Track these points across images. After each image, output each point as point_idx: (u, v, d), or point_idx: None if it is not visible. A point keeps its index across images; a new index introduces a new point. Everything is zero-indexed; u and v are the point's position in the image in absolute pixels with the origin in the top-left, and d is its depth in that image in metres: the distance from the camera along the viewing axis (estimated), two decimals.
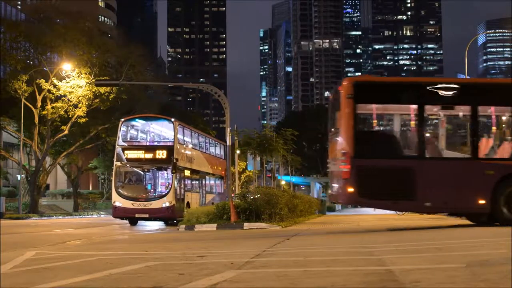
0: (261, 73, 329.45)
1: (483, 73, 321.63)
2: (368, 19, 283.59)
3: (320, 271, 6.52)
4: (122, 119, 26.94)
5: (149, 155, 25.64)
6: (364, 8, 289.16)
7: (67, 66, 40.69)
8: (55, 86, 41.27)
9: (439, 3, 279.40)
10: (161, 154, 25.29)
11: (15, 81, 40.82)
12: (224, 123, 27.91)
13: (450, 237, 12.47)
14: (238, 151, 32.49)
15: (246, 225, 18.97)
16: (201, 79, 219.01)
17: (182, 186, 26.48)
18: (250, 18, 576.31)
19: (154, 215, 24.85)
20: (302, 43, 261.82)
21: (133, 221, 26.14)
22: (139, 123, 27.79)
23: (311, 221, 26.26)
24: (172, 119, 26.62)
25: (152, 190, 26.54)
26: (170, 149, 25.34)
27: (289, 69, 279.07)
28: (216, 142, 35.53)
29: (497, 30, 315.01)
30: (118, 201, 24.99)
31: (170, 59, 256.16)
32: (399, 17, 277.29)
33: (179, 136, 26.40)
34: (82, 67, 41.62)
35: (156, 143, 27.28)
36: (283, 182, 59.25)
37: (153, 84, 54.74)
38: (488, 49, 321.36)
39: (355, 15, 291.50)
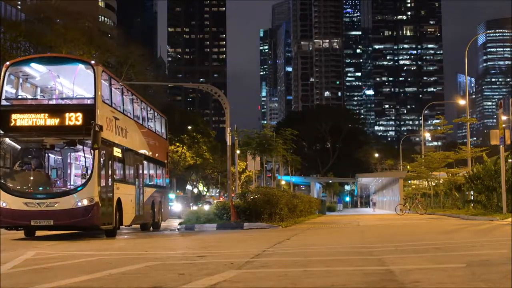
0: (261, 73, 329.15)
1: (483, 73, 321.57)
2: (368, 19, 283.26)
3: (320, 271, 6.52)
4: (7, 63, 16.60)
5: (53, 121, 15.51)
6: (364, 8, 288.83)
7: None
8: None
9: (439, 3, 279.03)
10: (74, 118, 15.44)
11: None
12: (224, 123, 27.86)
13: (450, 237, 12.47)
14: (238, 151, 32.46)
15: (246, 225, 18.96)
16: (201, 79, 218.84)
17: (110, 173, 16.31)
18: (250, 18, 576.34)
19: (62, 221, 15.10)
20: (302, 43, 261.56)
21: (29, 231, 16.75)
22: (34, 69, 17.17)
23: (311, 221, 26.26)
24: (92, 62, 16.56)
25: (58, 180, 17.07)
26: (89, 111, 15.52)
27: (289, 69, 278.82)
28: (155, 113, 23.86)
29: (497, 30, 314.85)
30: (2, 199, 15.14)
31: (170, 59, 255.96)
32: (399, 17, 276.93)
33: (105, 91, 16.50)
34: None
35: (65, 101, 17.19)
36: (283, 182, 59.23)
37: (153, 84, 54.71)
38: (488, 49, 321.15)
39: (355, 15, 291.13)
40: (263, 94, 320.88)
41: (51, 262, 8.44)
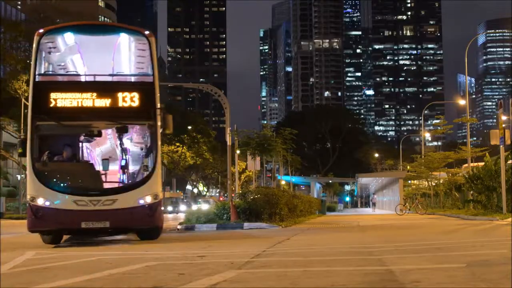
0: (261, 73, 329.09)
1: (483, 73, 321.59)
2: (368, 19, 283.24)
3: (320, 271, 6.52)
4: (41, 30, 13.28)
5: (104, 101, 12.82)
6: (364, 8, 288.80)
7: None
8: None
9: (439, 3, 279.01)
10: (130, 99, 12.82)
11: (15, 81, 40.80)
12: (224, 123, 27.88)
13: (450, 237, 12.47)
14: (238, 151, 32.46)
15: (246, 225, 18.95)
16: (201, 79, 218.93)
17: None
18: (250, 18, 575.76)
19: (121, 223, 12.55)
20: (302, 43, 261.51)
21: (56, 237, 13.18)
22: (74, 38, 14.00)
23: (311, 221, 26.24)
24: (146, 32, 13.64)
25: (113, 173, 14.66)
26: (147, 90, 13.09)
27: (289, 69, 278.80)
28: None
29: (497, 30, 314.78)
30: (43, 197, 12.26)
31: (170, 59, 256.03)
32: (399, 17, 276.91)
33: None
34: None
35: (117, 78, 14.18)
36: (283, 182, 59.24)
37: None
38: (488, 49, 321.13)
39: (355, 15, 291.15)
40: (263, 94, 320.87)
41: (51, 262, 8.44)
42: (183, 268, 7.07)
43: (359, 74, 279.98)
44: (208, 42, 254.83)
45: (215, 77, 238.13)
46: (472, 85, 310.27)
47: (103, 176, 14.02)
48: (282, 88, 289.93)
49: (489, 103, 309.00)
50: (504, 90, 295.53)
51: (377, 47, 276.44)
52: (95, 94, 12.80)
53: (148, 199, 12.55)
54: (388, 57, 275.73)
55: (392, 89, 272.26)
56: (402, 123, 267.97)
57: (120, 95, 12.84)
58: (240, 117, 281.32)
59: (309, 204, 34.13)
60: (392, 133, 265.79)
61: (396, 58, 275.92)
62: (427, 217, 28.66)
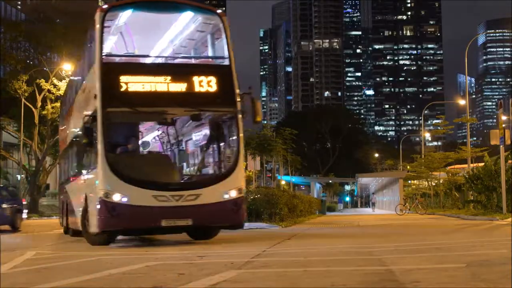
0: (261, 73, 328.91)
1: (483, 73, 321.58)
2: (368, 19, 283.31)
3: (320, 271, 6.52)
4: (105, 6, 12.53)
5: (180, 86, 11.65)
6: (364, 8, 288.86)
7: (67, 66, 40.65)
8: (55, 86, 41.25)
9: (439, 3, 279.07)
10: (207, 83, 11.74)
11: (15, 81, 40.80)
12: None
13: (450, 237, 12.48)
14: None
15: (246, 225, 18.86)
16: None
17: None
18: (250, 18, 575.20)
19: (204, 220, 11.45)
20: (302, 43, 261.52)
21: (111, 237, 12.02)
22: (141, 16, 12.83)
23: (311, 221, 26.25)
24: (219, 11, 12.66)
25: (196, 165, 13.47)
26: (225, 73, 12.12)
27: (289, 69, 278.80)
28: None
29: (497, 30, 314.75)
30: (120, 192, 10.84)
31: None
32: (399, 17, 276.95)
33: None
34: None
35: (192, 61, 13.63)
36: (283, 182, 59.23)
37: None
38: (488, 49, 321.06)
39: (355, 15, 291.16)
40: (263, 94, 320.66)
41: (51, 262, 8.44)
42: (183, 268, 7.07)
43: (359, 74, 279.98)
44: None
45: None
46: (472, 85, 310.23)
47: (183, 169, 13.05)
48: (282, 88, 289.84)
49: (489, 103, 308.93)
50: (504, 90, 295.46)
51: (377, 47, 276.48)
52: (169, 77, 11.56)
53: (233, 194, 11.50)
54: (388, 57, 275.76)
55: (392, 89, 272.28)
56: (402, 123, 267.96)
57: (196, 79, 11.66)
58: None
59: (309, 204, 34.13)
60: (392, 133, 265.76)
61: (396, 58, 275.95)
62: (427, 217, 28.66)
